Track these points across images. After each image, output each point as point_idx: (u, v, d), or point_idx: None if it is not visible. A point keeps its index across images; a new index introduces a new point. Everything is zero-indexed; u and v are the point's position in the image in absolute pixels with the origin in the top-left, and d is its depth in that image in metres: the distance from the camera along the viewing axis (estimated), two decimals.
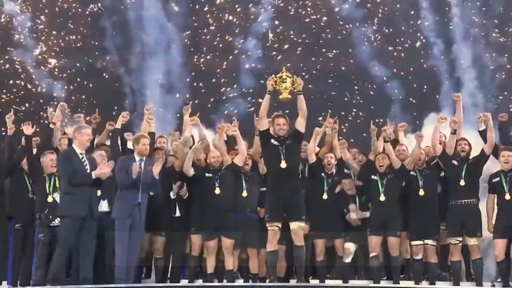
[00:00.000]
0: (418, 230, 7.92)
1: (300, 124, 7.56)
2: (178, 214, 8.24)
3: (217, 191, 7.98)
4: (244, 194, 8.07)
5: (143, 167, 7.55)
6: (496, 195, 7.86)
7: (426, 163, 8.14)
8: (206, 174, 8.11)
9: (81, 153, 7.44)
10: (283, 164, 7.43)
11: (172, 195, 8.21)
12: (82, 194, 7.32)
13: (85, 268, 7.37)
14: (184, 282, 8.21)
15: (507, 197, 7.70)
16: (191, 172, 8.10)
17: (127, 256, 7.45)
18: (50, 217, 7.72)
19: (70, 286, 7.34)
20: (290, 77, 7.55)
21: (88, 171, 7.43)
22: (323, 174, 8.23)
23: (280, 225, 7.43)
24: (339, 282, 8.10)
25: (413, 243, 7.93)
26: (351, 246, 8.04)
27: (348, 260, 8.04)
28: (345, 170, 8.44)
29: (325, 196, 8.16)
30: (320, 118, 8.60)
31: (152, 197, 7.81)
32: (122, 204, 7.56)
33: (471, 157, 7.98)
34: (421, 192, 7.97)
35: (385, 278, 8.10)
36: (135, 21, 12.49)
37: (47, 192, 7.89)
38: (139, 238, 7.64)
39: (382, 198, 7.94)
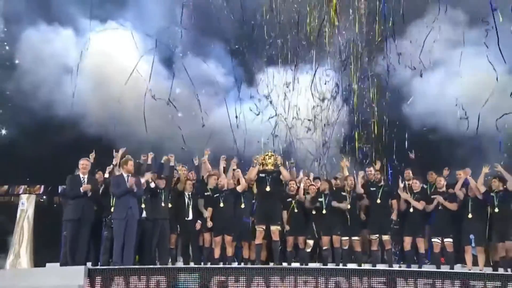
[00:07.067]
0: (346, 230, 11.52)
1: (283, 176, 11.50)
2: (190, 217, 11.79)
3: (221, 204, 11.61)
4: (242, 206, 11.69)
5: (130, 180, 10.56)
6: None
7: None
8: (215, 195, 11.79)
9: (82, 177, 10.86)
10: (268, 188, 11.34)
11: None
12: (77, 203, 10.69)
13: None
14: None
15: (411, 210, 11.50)
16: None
17: (121, 246, 10.26)
18: (112, 220, 10.85)
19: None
20: (273, 156, 11.57)
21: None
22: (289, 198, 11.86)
23: (264, 227, 11.22)
24: (297, 265, 11.42)
25: (343, 238, 11.52)
26: (311, 242, 11.63)
27: (308, 250, 11.61)
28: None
29: (295, 210, 11.73)
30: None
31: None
32: (119, 209, 10.42)
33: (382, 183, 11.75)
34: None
35: (331, 261, 11.57)
36: None
37: (111, 204, 10.92)
38: (133, 232, 10.35)
39: (324, 211, 11.61)
